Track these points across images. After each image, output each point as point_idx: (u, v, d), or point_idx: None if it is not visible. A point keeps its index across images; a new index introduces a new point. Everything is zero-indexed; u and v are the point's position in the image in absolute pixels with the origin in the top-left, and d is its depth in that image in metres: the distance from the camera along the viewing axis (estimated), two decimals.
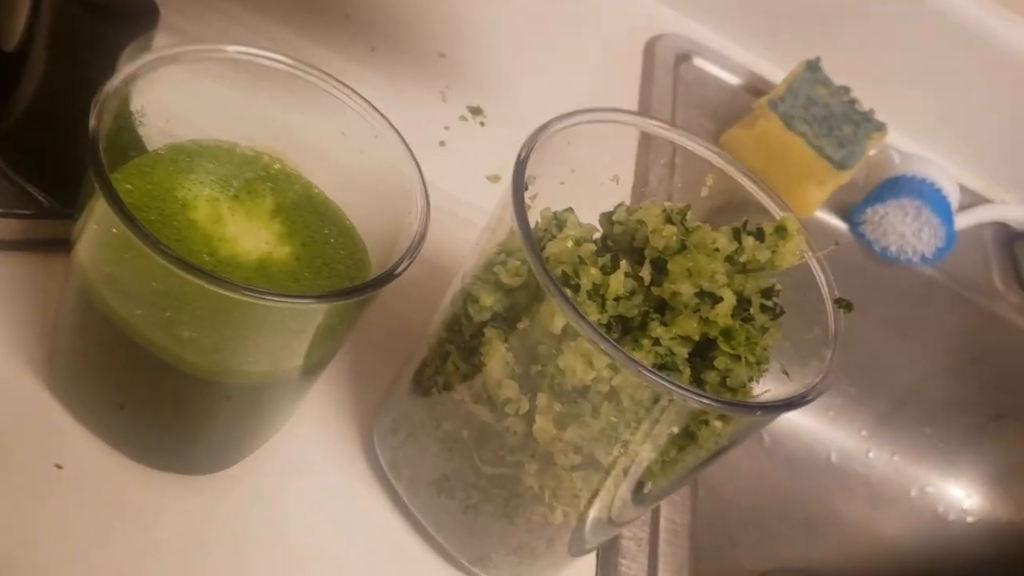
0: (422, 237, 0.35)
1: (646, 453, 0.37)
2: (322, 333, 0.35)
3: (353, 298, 0.33)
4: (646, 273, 0.37)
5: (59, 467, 0.38)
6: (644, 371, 0.32)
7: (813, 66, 0.73)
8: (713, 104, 0.74)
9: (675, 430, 0.36)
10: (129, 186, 0.36)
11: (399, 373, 0.43)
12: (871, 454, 0.81)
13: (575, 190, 0.41)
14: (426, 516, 0.42)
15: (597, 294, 0.37)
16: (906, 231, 0.70)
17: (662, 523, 0.48)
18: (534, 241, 0.34)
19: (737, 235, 0.38)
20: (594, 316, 0.36)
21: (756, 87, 0.77)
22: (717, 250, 0.38)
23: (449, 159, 0.58)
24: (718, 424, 0.37)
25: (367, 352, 0.47)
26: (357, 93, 0.38)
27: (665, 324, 0.37)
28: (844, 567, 0.76)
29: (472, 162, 0.58)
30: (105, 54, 0.39)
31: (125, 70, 0.34)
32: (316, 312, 0.33)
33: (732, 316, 0.37)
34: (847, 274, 0.74)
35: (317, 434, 0.43)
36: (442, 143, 0.59)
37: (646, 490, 0.38)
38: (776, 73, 0.78)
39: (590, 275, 0.37)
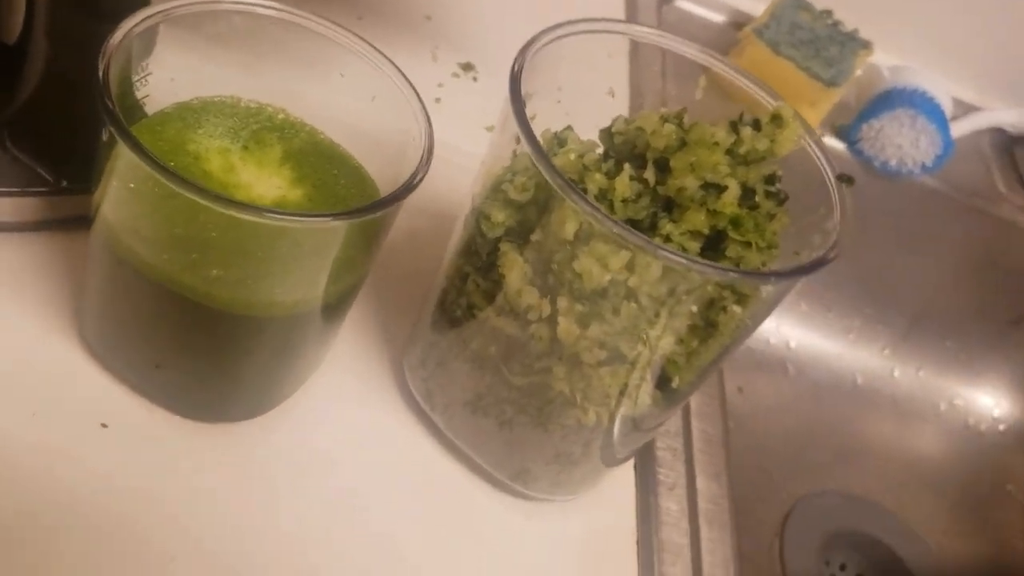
0: (430, 152, 0.37)
1: (669, 345, 0.37)
2: (343, 258, 0.36)
3: (368, 215, 0.34)
4: (650, 174, 0.38)
5: (104, 426, 0.39)
6: (660, 250, 0.33)
7: None
8: (699, 43, 0.75)
9: (695, 319, 0.37)
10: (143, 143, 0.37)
11: (420, 310, 0.44)
12: (896, 372, 0.82)
13: (572, 108, 0.42)
14: (464, 439, 0.43)
15: (605, 198, 0.38)
16: (903, 142, 0.71)
17: (695, 433, 0.49)
18: (540, 146, 0.35)
19: (734, 128, 0.39)
20: None
21: (739, 22, 0.78)
22: (716, 143, 0.38)
23: (446, 114, 0.59)
24: (736, 308, 0.37)
25: (388, 298, 0.48)
26: (353, 33, 0.39)
27: (674, 221, 0.38)
28: (880, 487, 0.77)
29: (469, 115, 0.59)
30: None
31: (125, 24, 0.35)
32: (336, 233, 0.35)
33: (738, 206, 0.38)
34: (851, 193, 0.75)
35: (349, 376, 0.44)
36: (438, 100, 0.60)
37: (674, 384, 0.39)
38: (758, 7, 0.78)
39: (596, 180, 0.38)
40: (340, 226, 0.35)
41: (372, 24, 0.62)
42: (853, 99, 0.74)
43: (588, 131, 0.41)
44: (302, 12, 0.39)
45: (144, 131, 0.38)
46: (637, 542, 0.44)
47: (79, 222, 0.40)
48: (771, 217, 0.39)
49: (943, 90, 0.71)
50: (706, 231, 0.38)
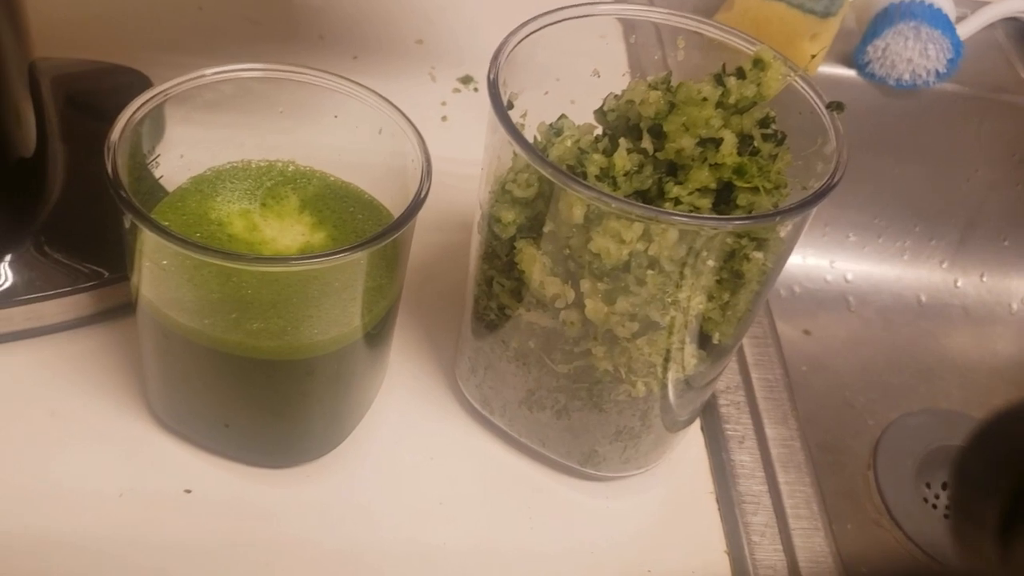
0: (428, 167, 0.38)
1: (700, 303, 0.38)
2: (372, 287, 0.38)
3: (383, 240, 0.35)
4: (647, 143, 0.39)
5: (188, 491, 0.41)
6: (662, 213, 0.34)
7: None
8: (691, 1, 0.75)
9: (720, 273, 0.38)
10: (166, 223, 0.40)
11: (461, 320, 0.45)
12: (959, 282, 0.81)
13: (563, 96, 0.43)
14: (528, 435, 0.44)
15: (607, 176, 0.39)
16: (911, 54, 0.70)
17: (755, 383, 0.50)
18: (528, 143, 0.36)
19: (719, 80, 0.40)
20: None
21: None
22: (705, 99, 0.39)
23: (455, 130, 0.61)
24: (758, 254, 0.38)
25: (431, 315, 0.50)
26: (333, 74, 0.41)
27: (680, 183, 0.39)
28: (967, 399, 0.76)
29: (477, 126, 0.60)
30: None
31: (123, 116, 0.37)
32: (359, 264, 0.36)
33: (739, 154, 0.39)
34: (871, 118, 0.74)
35: (409, 396, 0.46)
36: (444, 118, 0.61)
37: (715, 340, 0.40)
38: None
39: (594, 161, 0.39)
40: (361, 256, 0.36)
41: (368, 59, 0.64)
42: (854, 23, 0.74)
43: (588, 115, 0.42)
44: (282, 66, 0.41)
45: (167, 210, 0.40)
46: (716, 499, 0.45)
47: (128, 307, 0.42)
48: (773, 158, 0.39)
49: None
50: (713, 185, 0.38)
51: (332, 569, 0.40)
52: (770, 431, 0.47)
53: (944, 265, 0.81)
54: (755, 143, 0.39)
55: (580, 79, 0.44)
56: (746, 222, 0.36)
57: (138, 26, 0.62)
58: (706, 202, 0.39)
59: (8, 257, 0.44)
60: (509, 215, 0.39)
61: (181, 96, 0.40)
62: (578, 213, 0.36)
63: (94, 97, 0.51)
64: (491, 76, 0.38)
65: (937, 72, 0.71)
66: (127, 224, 0.36)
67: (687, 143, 0.38)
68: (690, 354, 0.40)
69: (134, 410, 0.43)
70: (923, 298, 0.81)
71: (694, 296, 0.38)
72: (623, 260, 0.36)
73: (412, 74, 0.64)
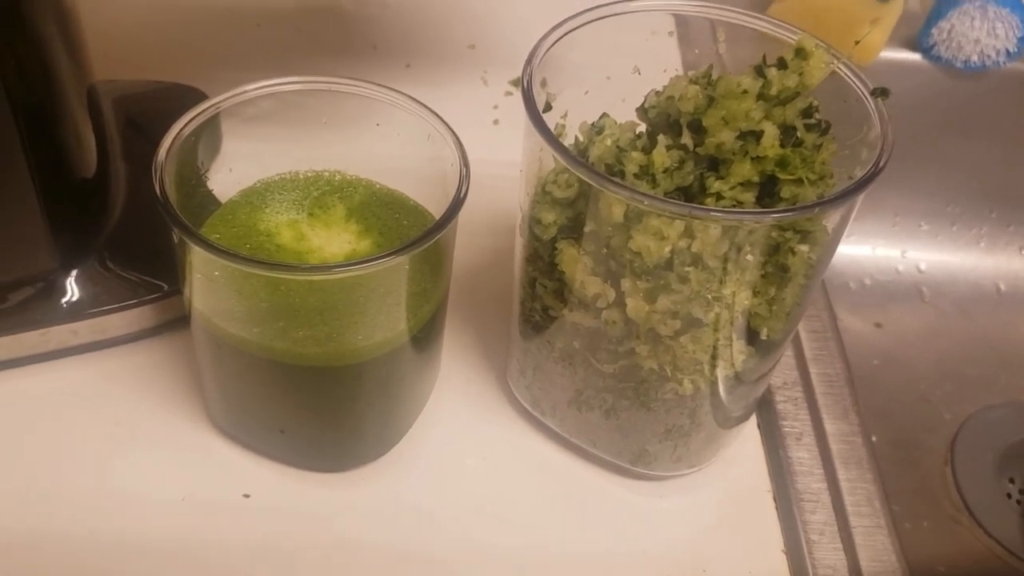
0: (466, 168, 0.39)
1: (746, 299, 0.38)
2: (416, 291, 0.38)
3: (424, 243, 0.36)
4: (687, 139, 0.39)
5: (247, 496, 0.42)
6: (701, 209, 0.34)
7: None
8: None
9: (765, 268, 0.37)
10: (216, 235, 0.41)
11: (510, 322, 0.45)
12: None
13: (609, 94, 0.43)
14: (579, 436, 0.44)
15: (646, 174, 0.38)
16: (979, 35, 0.68)
17: (814, 378, 0.49)
18: (563, 147, 0.36)
19: (760, 71, 0.39)
20: None
21: None
22: (745, 91, 0.39)
23: (505, 133, 0.60)
24: (803, 247, 0.37)
25: (482, 319, 0.50)
26: (379, 84, 0.42)
27: (722, 178, 0.38)
28: None
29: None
30: None
31: (168, 135, 0.38)
32: (401, 268, 0.37)
33: (781, 145, 0.38)
34: (939, 102, 0.72)
35: (461, 399, 0.46)
36: (496, 122, 0.62)
37: (763, 336, 0.39)
38: None
39: (633, 159, 0.39)
40: (402, 261, 0.36)
41: (420, 66, 0.65)
42: (918, 5, 0.72)
43: (633, 113, 0.42)
44: (323, 78, 0.41)
45: (218, 223, 0.42)
46: (774, 498, 0.44)
47: (187, 319, 0.43)
48: (818, 148, 0.39)
49: None
50: (756, 179, 0.38)
51: (387, 570, 0.40)
52: (830, 427, 0.46)
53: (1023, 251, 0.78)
54: (798, 134, 0.39)
55: (625, 77, 0.44)
56: (786, 214, 0.35)
57: (199, 45, 0.64)
58: (749, 196, 0.38)
59: (74, 273, 0.46)
60: (550, 216, 0.39)
61: (230, 111, 0.41)
62: (617, 212, 0.36)
63: (153, 116, 0.52)
64: (525, 78, 0.38)
65: (1007, 52, 0.69)
66: (176, 239, 0.37)
67: (727, 137, 0.38)
68: (737, 350, 0.39)
69: (194, 418, 0.44)
70: (1002, 286, 0.78)
71: (739, 292, 0.37)
72: (665, 258, 0.36)
73: (464, 79, 0.64)
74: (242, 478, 0.43)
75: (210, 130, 0.42)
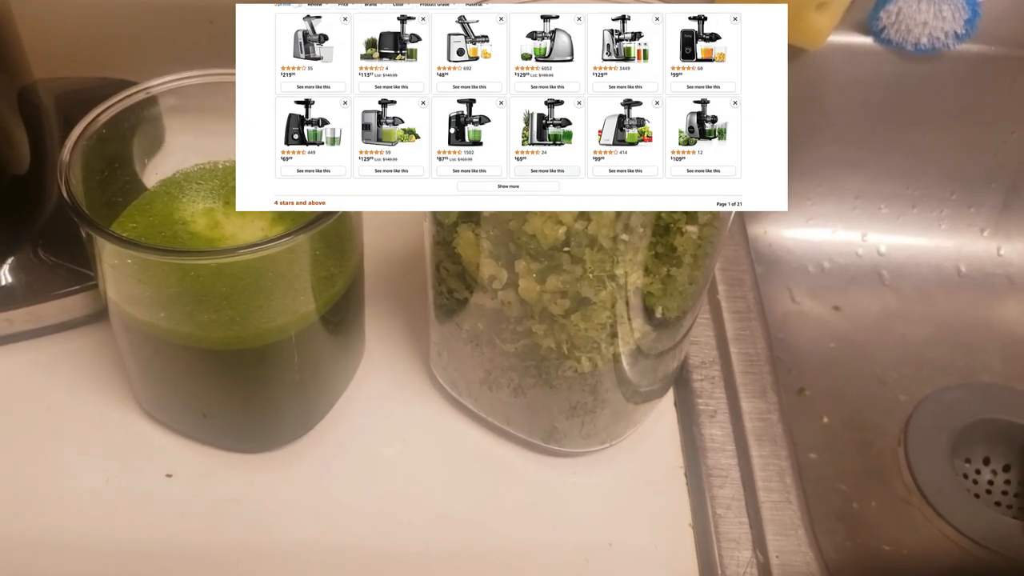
0: None
1: (637, 279, 0.39)
2: (320, 274, 0.40)
3: (316, 227, 0.37)
4: None
5: (169, 476, 0.43)
6: None
7: None
8: None
9: (655, 248, 0.38)
10: (133, 224, 0.42)
11: (428, 306, 0.46)
12: (1002, 251, 0.78)
13: None
14: (494, 415, 0.45)
15: None
16: (926, 17, 0.68)
17: (734, 358, 0.49)
18: None
19: None
20: None
21: None
22: None
23: None
24: (691, 228, 0.38)
25: (409, 302, 0.51)
26: None
27: None
28: (1011, 371, 0.73)
29: None
30: None
31: (72, 136, 0.39)
32: (300, 250, 0.38)
33: None
34: (893, 86, 0.72)
35: (384, 381, 0.48)
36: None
37: (659, 314, 0.40)
38: None
39: None
40: (300, 241, 0.37)
41: None
42: None
43: None
44: (217, 70, 0.43)
45: (135, 212, 0.43)
46: (685, 474, 0.45)
47: None
48: None
49: None
50: None
51: (304, 549, 0.42)
52: (746, 405, 0.47)
53: (985, 233, 0.78)
54: None
55: None
56: None
57: (150, 42, 0.66)
58: None
59: (8, 262, 0.47)
60: None
61: (170, 104, 0.43)
62: None
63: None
64: None
65: (956, 34, 0.69)
66: (84, 233, 0.38)
67: None
68: (633, 328, 0.40)
69: (122, 403, 0.46)
70: (963, 268, 0.78)
71: (631, 272, 0.38)
72: (560, 240, 0.37)
73: None
74: (165, 459, 0.44)
75: (149, 123, 0.44)
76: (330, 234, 0.39)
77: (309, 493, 0.43)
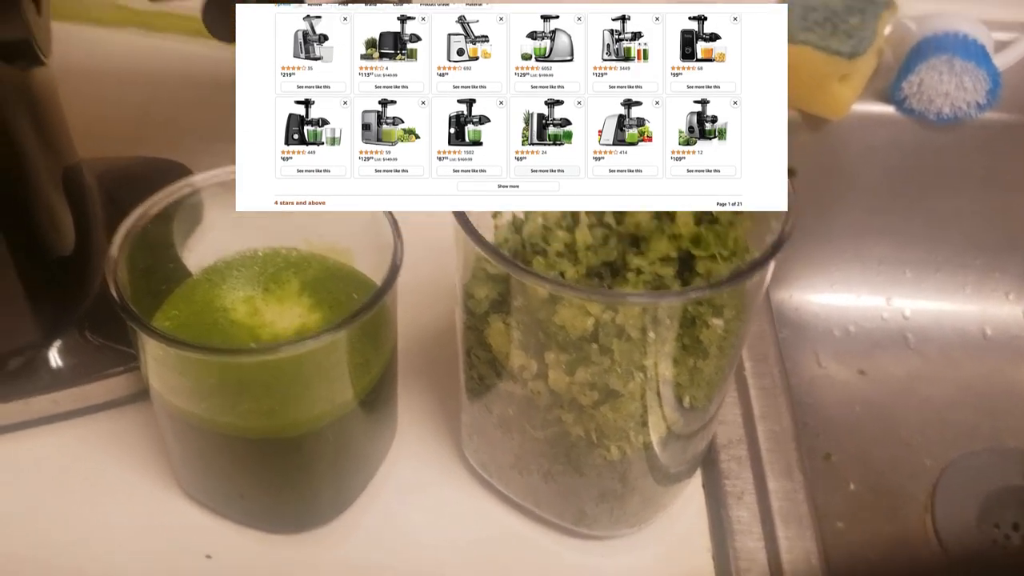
0: (398, 253, 0.41)
1: (666, 370, 0.40)
2: (357, 362, 0.41)
3: (354, 322, 0.38)
4: (609, 217, 0.41)
5: (209, 557, 0.45)
6: (602, 295, 0.36)
7: None
8: None
9: (682, 340, 0.39)
10: (176, 311, 0.44)
11: (459, 387, 0.48)
12: None
13: None
14: (525, 497, 0.46)
15: (571, 252, 0.41)
16: (948, 88, 0.69)
17: (761, 435, 0.50)
18: (485, 241, 0.38)
19: None
20: (571, 271, 0.40)
21: None
22: None
23: None
24: (717, 321, 0.39)
25: (440, 382, 0.52)
26: None
27: (643, 253, 0.40)
28: None
29: None
30: None
31: (119, 233, 0.41)
32: (336, 343, 0.39)
33: (697, 223, 0.40)
34: (915, 153, 0.73)
35: (417, 461, 0.49)
36: None
37: (686, 404, 0.41)
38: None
39: (558, 238, 0.41)
40: (338, 336, 0.39)
41: None
42: (892, 58, 0.73)
43: None
44: None
45: (178, 300, 0.45)
46: (713, 557, 0.45)
47: None
48: (731, 224, 0.41)
49: (975, 23, 0.69)
50: (675, 254, 0.40)
51: None
52: (772, 485, 0.48)
53: (1010, 296, 0.79)
54: (712, 212, 0.41)
55: None
56: (684, 296, 0.37)
57: (186, 119, 0.68)
58: (669, 270, 0.40)
59: (56, 345, 0.49)
60: (482, 291, 0.41)
61: (187, 199, 0.44)
62: (542, 290, 0.39)
63: (134, 191, 0.56)
64: None
65: (977, 104, 0.70)
66: (129, 326, 0.39)
67: (643, 217, 0.40)
68: (661, 418, 0.41)
69: (163, 481, 0.47)
70: (988, 331, 0.78)
71: (659, 363, 0.39)
72: (588, 331, 0.38)
73: None
74: (205, 539, 0.45)
75: (190, 207, 0.45)
76: (368, 322, 0.40)
77: (345, 573, 0.44)
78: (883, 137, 0.73)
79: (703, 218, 0.40)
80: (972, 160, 0.74)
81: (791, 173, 0.41)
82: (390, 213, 0.43)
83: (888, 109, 0.73)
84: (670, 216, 0.40)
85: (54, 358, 0.49)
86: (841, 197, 0.76)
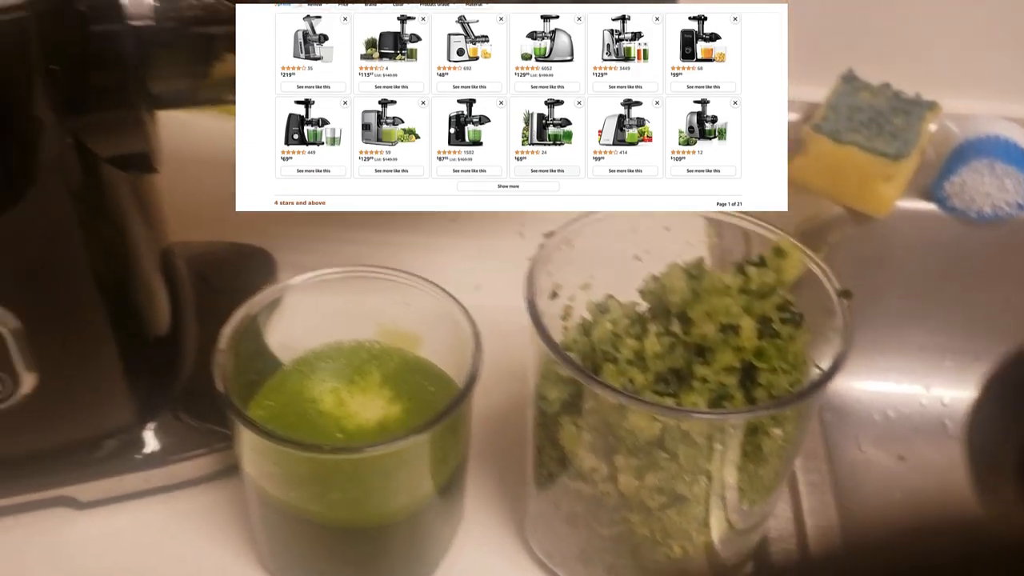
0: (477, 361, 0.44)
1: (728, 476, 0.42)
2: (437, 457, 0.44)
3: (439, 423, 0.41)
4: (676, 327, 0.44)
5: None
6: (670, 410, 0.39)
7: (848, 77, 0.78)
8: None
9: (743, 447, 0.42)
10: (270, 402, 0.47)
11: (525, 474, 0.50)
12: None
13: (609, 279, 0.48)
14: None
15: (640, 359, 0.44)
16: (989, 189, 0.72)
17: (809, 530, 0.52)
18: (559, 349, 0.42)
19: (741, 269, 0.44)
20: (639, 378, 0.43)
21: (811, 114, 0.81)
22: (727, 287, 0.44)
23: None
24: (777, 431, 0.42)
25: (504, 467, 0.55)
26: (412, 274, 0.48)
27: (708, 363, 0.43)
28: None
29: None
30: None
31: (226, 331, 0.45)
32: (421, 442, 0.42)
33: (760, 336, 0.43)
34: (956, 248, 0.76)
35: (482, 546, 0.51)
36: None
37: (745, 507, 0.44)
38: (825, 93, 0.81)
39: (628, 345, 0.44)
40: (422, 437, 0.42)
41: (465, 222, 0.72)
42: (934, 158, 0.76)
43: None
44: (361, 268, 0.48)
45: (271, 391, 0.48)
46: None
47: None
48: (791, 339, 0.43)
49: (1014, 125, 0.72)
50: (738, 364, 0.43)
51: None
52: None
53: None
54: (774, 326, 0.43)
55: (615, 265, 0.49)
56: (744, 415, 0.40)
57: None
58: (732, 379, 0.43)
59: (150, 426, 0.52)
60: (554, 393, 0.44)
61: (280, 299, 0.48)
62: (612, 396, 0.41)
63: (223, 276, 0.60)
64: (528, 295, 0.44)
65: (1018, 204, 0.73)
66: (229, 417, 0.43)
67: (710, 329, 0.43)
68: (722, 519, 0.44)
69: (247, 558, 0.50)
70: None
71: (723, 467, 0.42)
72: (656, 435, 0.41)
73: (503, 233, 0.70)
74: None
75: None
76: (448, 421, 0.43)
77: None
78: (924, 233, 0.76)
79: (765, 332, 0.43)
80: (1011, 256, 0.77)
81: (846, 295, 0.44)
82: (466, 311, 0.46)
83: (930, 207, 0.76)
84: (734, 329, 0.43)
85: (149, 439, 0.52)
86: (883, 287, 0.79)
